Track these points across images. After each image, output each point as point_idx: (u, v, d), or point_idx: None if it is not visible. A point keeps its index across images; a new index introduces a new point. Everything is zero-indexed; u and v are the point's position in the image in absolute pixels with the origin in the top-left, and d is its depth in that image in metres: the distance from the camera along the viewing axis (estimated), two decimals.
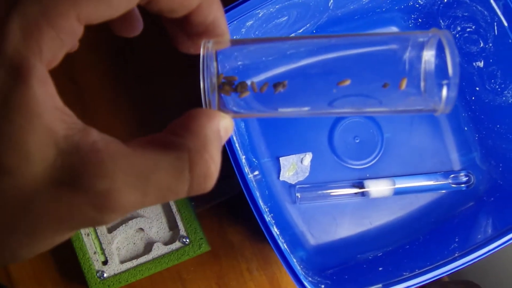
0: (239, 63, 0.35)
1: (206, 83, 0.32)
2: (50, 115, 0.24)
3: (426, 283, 0.54)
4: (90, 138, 0.25)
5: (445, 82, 0.32)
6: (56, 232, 0.25)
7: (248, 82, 0.33)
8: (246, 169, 0.57)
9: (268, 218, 0.55)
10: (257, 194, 0.55)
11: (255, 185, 0.63)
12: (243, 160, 0.60)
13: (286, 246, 0.59)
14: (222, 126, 0.30)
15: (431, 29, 0.32)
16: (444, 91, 0.32)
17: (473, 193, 0.69)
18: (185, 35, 0.33)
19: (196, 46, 0.33)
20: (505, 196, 0.66)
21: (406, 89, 0.32)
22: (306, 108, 0.35)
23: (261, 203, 0.55)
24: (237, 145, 0.58)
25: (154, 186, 0.26)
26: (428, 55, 0.31)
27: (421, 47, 0.32)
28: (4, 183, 0.23)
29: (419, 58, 0.32)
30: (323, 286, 0.57)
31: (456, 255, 0.56)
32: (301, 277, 0.53)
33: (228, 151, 0.55)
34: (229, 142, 0.55)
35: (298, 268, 0.55)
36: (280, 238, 0.56)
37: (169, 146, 0.27)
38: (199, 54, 0.32)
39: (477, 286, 1.07)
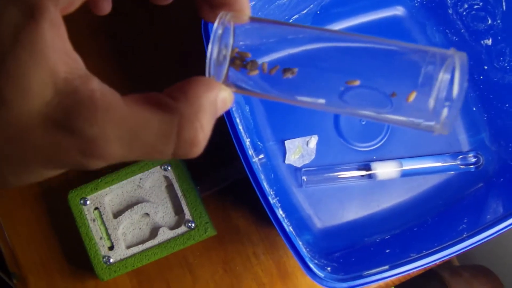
0: (255, 41, 0.35)
1: (212, 52, 0.32)
2: (55, 56, 0.25)
3: (434, 264, 0.54)
4: (90, 85, 0.26)
5: (447, 103, 0.31)
6: (44, 167, 0.27)
7: (259, 62, 0.33)
8: (251, 152, 0.57)
9: (273, 201, 0.54)
10: (261, 178, 0.55)
11: (260, 169, 0.62)
12: (248, 143, 0.59)
13: (291, 229, 0.58)
14: (220, 97, 0.30)
15: (450, 49, 0.32)
16: (445, 112, 0.32)
17: (482, 174, 0.68)
18: (208, 5, 0.34)
19: (216, 17, 0.33)
20: None
21: (413, 102, 0.32)
22: (308, 99, 0.35)
23: (266, 186, 0.55)
24: (241, 128, 0.57)
25: (140, 143, 0.27)
26: (445, 77, 0.31)
27: (438, 65, 0.32)
28: (1, 113, 0.24)
29: (434, 76, 0.31)
30: (329, 268, 0.56)
31: (465, 235, 0.55)
32: (307, 259, 0.53)
33: (232, 134, 0.54)
34: (233, 125, 0.54)
35: (303, 250, 0.54)
36: (286, 221, 0.55)
37: (162, 107, 0.28)
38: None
39: (488, 270, 1.06)
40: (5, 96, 0.24)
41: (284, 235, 0.53)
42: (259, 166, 0.62)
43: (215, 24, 0.32)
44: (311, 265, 0.53)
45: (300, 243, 0.57)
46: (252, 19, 0.34)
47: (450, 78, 0.31)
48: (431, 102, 0.32)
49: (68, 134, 0.25)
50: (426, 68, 0.32)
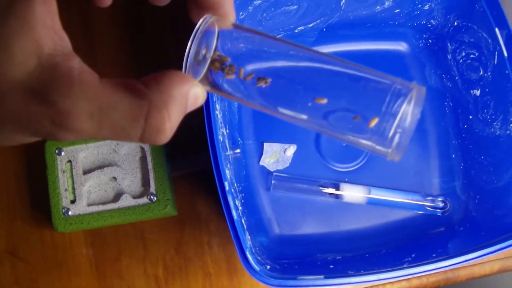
0: (236, 48, 0.37)
1: (190, 50, 0.34)
2: (42, 31, 0.27)
3: (366, 284, 0.54)
4: (70, 63, 0.28)
5: (399, 130, 0.33)
6: (17, 133, 0.29)
7: (237, 68, 0.35)
8: (222, 140, 0.59)
9: (227, 187, 0.56)
10: (226, 171, 0.56)
11: (231, 161, 0.64)
12: (224, 134, 0.61)
13: (245, 223, 0.60)
14: (192, 92, 0.32)
15: (413, 82, 0.34)
16: (397, 138, 0.34)
17: (447, 219, 0.69)
18: (196, 7, 0.36)
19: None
20: (474, 228, 0.65)
21: (374, 127, 0.34)
22: (276, 109, 0.37)
23: (228, 177, 0.57)
24: (219, 120, 0.59)
25: (109, 122, 0.29)
26: (406, 109, 0.33)
27: (402, 96, 0.33)
28: None
29: (397, 107, 0.33)
30: (268, 267, 0.57)
31: (404, 266, 0.56)
32: (247, 251, 0.54)
33: (206, 125, 0.56)
34: (209, 116, 0.56)
35: (247, 243, 0.55)
36: (240, 212, 0.57)
37: (135, 92, 0.29)
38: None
39: None
40: None
41: (229, 220, 0.54)
42: (231, 159, 0.64)
43: (198, 24, 0.34)
44: (250, 257, 0.54)
45: (249, 237, 0.58)
46: (236, 26, 0.37)
47: (412, 113, 0.33)
48: (391, 131, 0.33)
49: (43, 105, 0.27)
50: (391, 98, 0.34)
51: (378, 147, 0.35)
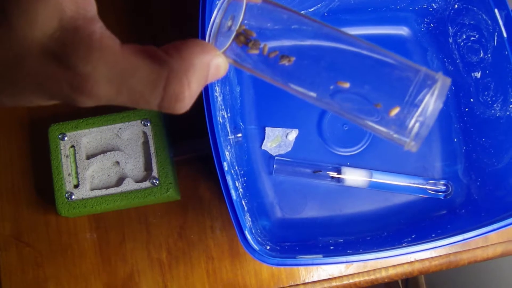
0: (263, 23, 0.36)
1: (215, 20, 0.34)
2: None
3: (364, 262, 0.55)
4: (91, 27, 0.28)
5: (421, 119, 0.33)
6: (35, 94, 0.29)
7: (262, 43, 0.35)
8: (221, 122, 0.59)
9: (225, 168, 0.56)
10: (225, 152, 0.57)
11: (232, 144, 0.65)
12: (223, 116, 0.62)
13: (245, 205, 0.60)
14: (214, 62, 0.32)
15: (438, 73, 0.34)
16: (416, 129, 0.33)
17: (448, 202, 0.69)
18: None
19: None
20: (475, 210, 0.65)
21: (394, 116, 0.34)
22: (297, 88, 0.37)
23: (228, 158, 0.57)
24: (219, 102, 0.60)
25: (128, 88, 0.29)
26: (429, 100, 0.33)
27: (426, 87, 0.33)
28: (6, 36, 0.27)
29: (420, 98, 0.33)
30: (268, 247, 0.57)
31: (403, 245, 0.56)
32: (246, 230, 0.54)
33: (205, 106, 0.56)
34: (208, 101, 0.56)
35: (247, 223, 0.56)
36: (240, 194, 0.57)
37: (155, 59, 0.29)
38: None
39: None
40: (12, 21, 0.26)
41: (228, 200, 0.54)
42: (232, 142, 0.64)
43: None
44: (249, 237, 0.55)
45: (249, 219, 0.59)
46: (265, 1, 0.36)
47: (435, 103, 0.33)
48: (412, 121, 0.33)
49: (62, 67, 0.27)
50: (414, 87, 0.33)
51: (396, 136, 0.35)
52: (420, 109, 0.33)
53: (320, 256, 0.55)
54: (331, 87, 0.35)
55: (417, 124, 0.33)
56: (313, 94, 0.36)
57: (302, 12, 0.70)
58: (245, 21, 0.35)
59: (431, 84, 0.33)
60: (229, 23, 0.35)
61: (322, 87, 0.36)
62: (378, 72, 0.35)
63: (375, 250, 0.55)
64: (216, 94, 0.58)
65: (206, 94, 0.56)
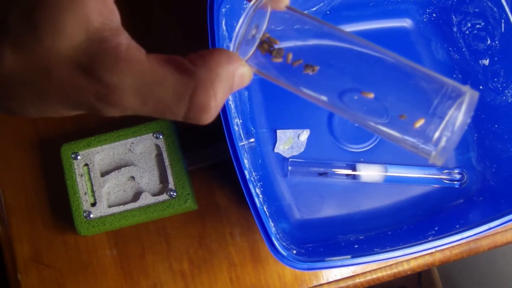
0: (287, 31, 0.36)
1: (240, 29, 0.34)
2: (92, 4, 0.28)
3: (395, 261, 0.55)
4: (118, 38, 0.28)
5: (448, 133, 0.33)
6: (61, 105, 0.29)
7: (285, 52, 0.35)
8: (238, 130, 0.59)
9: (250, 177, 0.56)
10: (244, 158, 0.57)
11: (247, 150, 0.64)
12: (238, 123, 0.61)
13: (266, 210, 0.60)
14: (239, 72, 0.32)
15: (466, 86, 0.33)
16: (443, 142, 0.33)
17: (465, 191, 0.69)
18: None
19: None
20: (494, 197, 0.66)
21: (419, 128, 0.33)
22: (321, 98, 0.36)
23: (247, 165, 0.57)
24: (233, 110, 0.59)
25: (155, 98, 0.29)
26: (455, 113, 0.32)
27: (452, 100, 0.33)
28: (34, 46, 0.27)
29: (445, 111, 0.33)
30: (295, 251, 0.57)
31: (429, 239, 0.56)
32: (272, 237, 0.54)
33: (221, 115, 0.56)
34: (224, 107, 0.56)
35: (272, 229, 0.56)
36: (261, 199, 0.57)
37: (182, 70, 0.29)
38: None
39: None
40: (40, 33, 0.26)
41: (253, 209, 0.54)
42: (247, 148, 0.64)
43: (251, 3, 0.34)
44: (276, 243, 0.54)
45: (272, 224, 0.59)
46: (289, 9, 0.36)
47: (462, 116, 0.33)
48: (436, 134, 0.33)
49: (89, 78, 0.27)
50: (441, 99, 0.33)
51: (421, 148, 0.34)
52: (444, 122, 0.32)
53: (349, 257, 0.55)
54: (355, 97, 0.35)
55: (444, 138, 0.33)
56: (336, 104, 0.36)
57: (305, 12, 0.70)
58: (271, 28, 0.35)
59: (457, 97, 0.33)
60: (253, 31, 0.35)
61: (346, 97, 0.36)
62: (404, 83, 0.35)
63: (402, 246, 0.56)
64: (229, 102, 0.58)
65: (223, 111, 0.56)
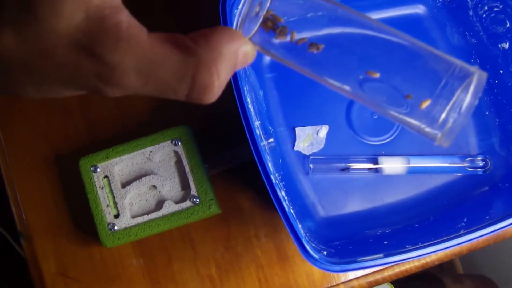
0: (291, 9, 0.35)
1: (244, 6, 0.33)
2: None
3: (429, 256, 0.54)
4: (118, 16, 0.27)
5: (454, 115, 0.32)
6: (62, 85, 0.28)
7: (289, 30, 0.34)
8: (258, 132, 0.58)
9: (275, 181, 0.55)
10: (267, 159, 0.56)
11: (267, 152, 0.64)
12: (257, 126, 0.60)
13: (292, 211, 0.59)
14: (242, 50, 0.31)
15: (474, 67, 0.32)
16: (449, 123, 0.32)
17: (489, 178, 0.69)
18: None
19: None
20: None
21: (425, 109, 0.33)
22: (325, 77, 0.36)
23: (271, 168, 0.56)
24: (251, 109, 0.58)
25: (156, 79, 0.28)
26: (462, 94, 0.32)
27: (459, 81, 0.32)
28: (33, 28, 0.26)
29: (453, 92, 0.32)
30: (325, 252, 0.57)
31: (461, 232, 0.56)
32: (303, 240, 0.54)
33: (241, 116, 0.55)
34: (243, 106, 0.55)
35: (301, 232, 0.55)
36: (287, 202, 0.57)
37: (183, 48, 0.29)
38: None
39: (490, 281, 1.06)
40: (38, 12, 0.26)
41: (282, 214, 0.54)
42: (267, 149, 0.63)
43: None
44: (307, 246, 0.54)
45: (300, 226, 0.58)
46: None
47: (469, 97, 0.32)
48: (443, 115, 0.32)
49: (90, 58, 0.27)
50: (447, 80, 0.32)
51: (427, 130, 0.34)
52: (451, 103, 0.32)
53: (381, 255, 0.55)
54: (361, 77, 0.35)
55: (450, 120, 0.32)
56: (341, 83, 0.36)
57: None
58: (275, 5, 0.34)
59: (464, 77, 0.32)
60: (257, 8, 0.34)
61: (351, 76, 0.35)
62: (410, 63, 0.35)
63: (433, 241, 0.55)
64: (249, 106, 0.57)
65: (242, 106, 0.55)
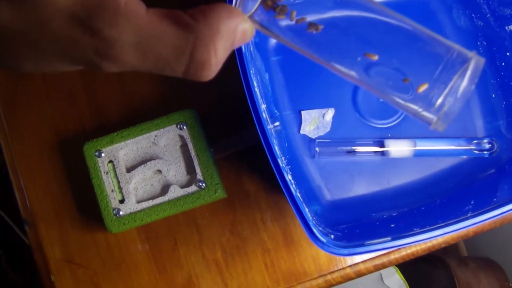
0: None
1: None
2: None
3: (436, 239, 0.54)
4: None
5: (450, 99, 0.32)
6: (59, 59, 0.28)
7: (289, 9, 0.34)
8: (265, 116, 0.58)
9: (282, 164, 0.55)
10: (274, 142, 0.55)
11: (274, 135, 0.63)
12: (263, 109, 0.60)
13: (299, 195, 0.59)
14: (240, 27, 0.31)
15: (472, 52, 0.32)
16: (445, 108, 0.33)
17: (495, 160, 0.68)
18: None
19: None
20: None
21: (422, 93, 0.33)
22: (323, 58, 0.36)
23: (277, 152, 0.55)
24: (258, 93, 0.58)
25: (154, 55, 0.28)
26: (459, 80, 0.32)
27: (457, 66, 0.32)
28: (30, 0, 0.26)
29: (450, 76, 0.32)
30: (332, 236, 0.57)
31: (469, 215, 0.55)
32: (311, 224, 0.53)
33: (248, 99, 0.55)
34: (250, 91, 0.55)
35: (308, 216, 0.55)
36: (294, 186, 0.56)
37: (182, 25, 0.28)
38: None
39: (494, 263, 1.06)
40: None
41: (290, 198, 0.53)
42: (273, 133, 0.63)
43: None
44: (315, 230, 0.54)
45: (307, 209, 0.58)
46: None
47: (466, 83, 0.32)
48: (440, 99, 0.32)
49: (87, 32, 0.27)
50: (445, 64, 0.33)
51: (423, 113, 0.34)
52: (448, 88, 0.32)
53: (389, 238, 0.54)
54: (359, 58, 0.35)
55: (447, 104, 0.32)
56: (339, 64, 0.36)
57: None
58: None
59: (462, 62, 0.32)
60: None
61: (349, 58, 0.35)
62: (409, 46, 0.35)
63: (441, 224, 0.55)
64: (256, 89, 0.57)
65: (249, 91, 0.54)
